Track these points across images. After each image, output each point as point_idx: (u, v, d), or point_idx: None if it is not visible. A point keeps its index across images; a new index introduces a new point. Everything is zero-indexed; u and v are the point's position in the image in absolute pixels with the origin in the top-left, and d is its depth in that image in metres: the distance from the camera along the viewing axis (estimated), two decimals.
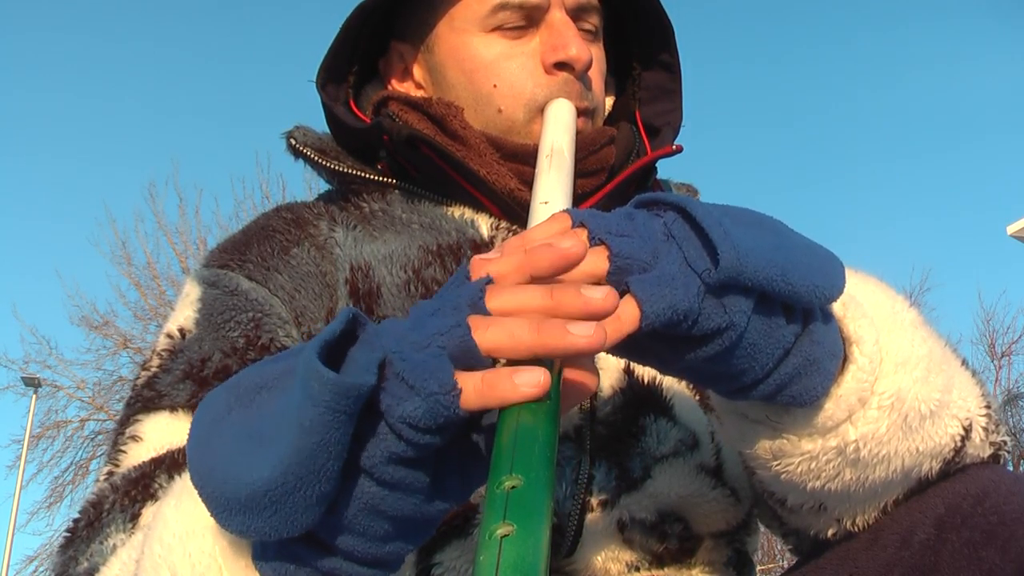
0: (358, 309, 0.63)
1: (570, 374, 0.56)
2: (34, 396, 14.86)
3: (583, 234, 0.59)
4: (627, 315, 0.56)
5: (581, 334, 0.52)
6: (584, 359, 0.57)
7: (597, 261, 0.57)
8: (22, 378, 15.04)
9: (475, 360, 0.52)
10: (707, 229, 0.57)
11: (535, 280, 0.56)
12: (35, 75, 26.18)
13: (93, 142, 27.25)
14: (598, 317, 0.53)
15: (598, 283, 0.56)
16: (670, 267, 0.57)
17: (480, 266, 0.57)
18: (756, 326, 0.59)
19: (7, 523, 15.87)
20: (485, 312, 0.54)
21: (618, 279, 0.57)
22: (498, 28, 0.99)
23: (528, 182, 0.93)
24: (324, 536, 0.54)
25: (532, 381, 0.51)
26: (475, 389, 0.51)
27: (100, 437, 14.40)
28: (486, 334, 0.52)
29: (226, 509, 0.52)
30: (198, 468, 0.54)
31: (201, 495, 0.54)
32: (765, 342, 0.60)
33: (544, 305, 0.54)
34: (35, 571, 14.84)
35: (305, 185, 12.25)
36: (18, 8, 25.56)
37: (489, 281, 0.55)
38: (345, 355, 0.53)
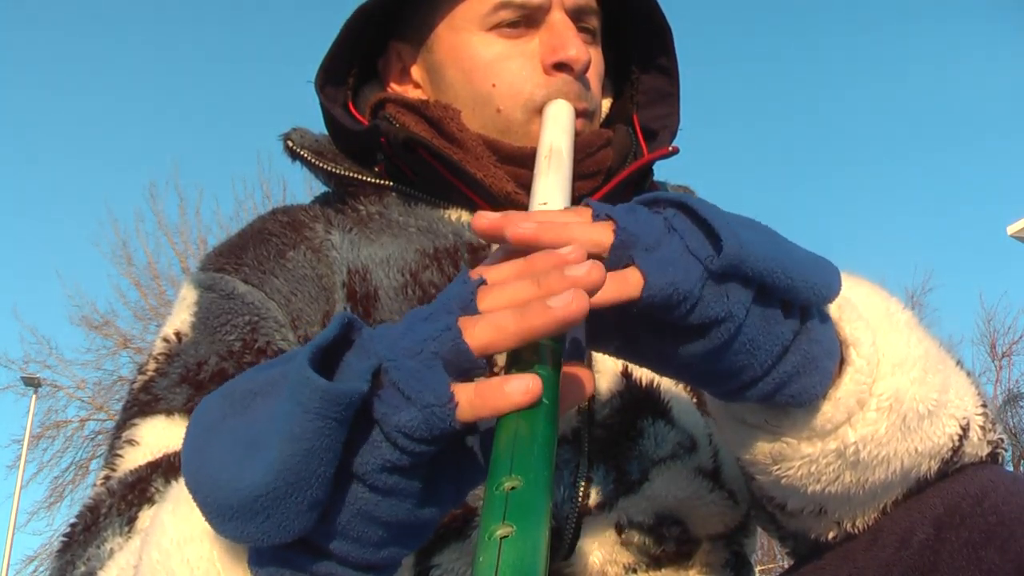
0: (353, 313, 0.63)
1: (568, 375, 0.56)
2: (34, 396, 14.89)
3: (587, 212, 0.59)
4: (632, 279, 0.56)
5: (561, 305, 0.51)
6: (581, 362, 0.57)
7: (602, 232, 0.57)
8: (22, 378, 15.07)
9: (469, 362, 0.52)
10: (709, 221, 0.58)
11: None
12: (36, 75, 26.22)
13: (94, 142, 27.31)
14: (588, 290, 0.53)
15: (602, 255, 0.57)
16: (673, 252, 0.57)
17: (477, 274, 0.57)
18: (755, 321, 0.59)
19: (7, 523, 15.90)
20: (476, 314, 0.54)
21: (622, 254, 0.57)
22: (497, 28, 0.99)
23: (525, 185, 0.93)
24: (318, 541, 0.53)
25: (522, 389, 0.51)
26: (468, 401, 0.51)
27: (100, 437, 14.41)
28: (475, 332, 0.52)
29: (220, 515, 0.52)
30: (192, 475, 0.54)
31: (196, 501, 0.54)
32: (764, 338, 0.60)
33: (532, 294, 0.53)
34: (35, 571, 14.88)
35: (306, 185, 12.25)
36: (19, 7, 25.58)
37: (482, 283, 0.55)
38: (340, 360, 0.53)
